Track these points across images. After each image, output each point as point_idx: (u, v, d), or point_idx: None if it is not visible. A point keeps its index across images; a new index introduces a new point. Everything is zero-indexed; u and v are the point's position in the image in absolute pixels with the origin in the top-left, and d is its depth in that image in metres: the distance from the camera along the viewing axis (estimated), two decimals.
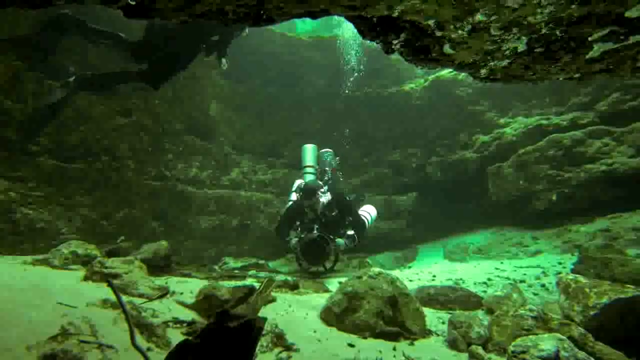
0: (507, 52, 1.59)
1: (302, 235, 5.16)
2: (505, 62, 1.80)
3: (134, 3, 1.22)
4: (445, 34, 1.51)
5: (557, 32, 1.48)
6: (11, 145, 4.53)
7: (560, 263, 4.56)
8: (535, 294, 3.52)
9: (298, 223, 5.48)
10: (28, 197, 4.61)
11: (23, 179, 4.61)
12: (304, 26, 11.67)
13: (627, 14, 1.29)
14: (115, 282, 2.22)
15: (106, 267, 2.35)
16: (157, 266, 3.17)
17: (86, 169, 5.06)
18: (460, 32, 1.45)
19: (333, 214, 5.43)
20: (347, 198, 5.93)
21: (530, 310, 2.28)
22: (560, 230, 5.57)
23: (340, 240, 5.30)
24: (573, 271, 3.64)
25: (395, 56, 9.00)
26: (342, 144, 8.03)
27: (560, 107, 6.57)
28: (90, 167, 5.10)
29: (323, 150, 6.81)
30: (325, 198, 5.42)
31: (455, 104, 7.94)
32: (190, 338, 1.15)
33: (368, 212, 6.23)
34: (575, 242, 5.10)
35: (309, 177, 6.01)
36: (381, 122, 8.42)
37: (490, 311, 2.96)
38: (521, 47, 1.50)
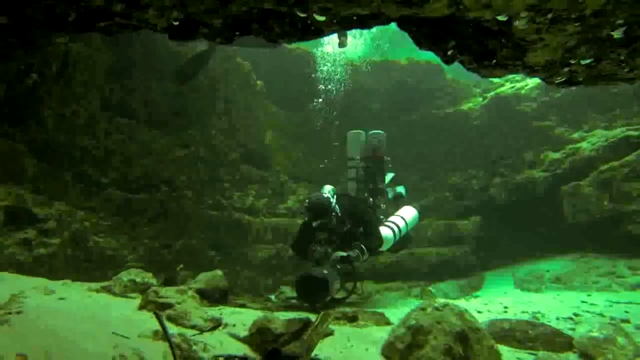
0: (596, 45, 1.35)
1: (329, 250, 4.59)
2: (590, 60, 1.54)
3: (177, 23, 1.19)
4: (516, 29, 1.31)
5: None
6: (87, 179, 4.88)
7: None
8: None
9: (315, 238, 4.79)
10: (99, 227, 4.90)
11: (96, 210, 4.92)
12: (355, 52, 11.89)
13: None
14: (169, 312, 2.19)
15: (160, 297, 2.34)
16: (212, 297, 3.13)
17: (148, 199, 5.31)
18: (536, 25, 1.24)
19: (345, 229, 4.80)
20: (369, 201, 5.37)
21: None
22: None
23: (340, 252, 4.56)
24: None
25: (450, 75, 8.76)
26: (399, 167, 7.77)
27: None
28: (151, 198, 5.35)
29: (372, 132, 6.05)
30: (337, 210, 4.72)
31: (518, 121, 7.45)
32: None
33: (403, 216, 5.49)
34: None
35: (325, 188, 5.02)
36: (439, 144, 8.10)
37: (586, 356, 2.50)
38: (617, 36, 1.24)
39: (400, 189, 6.40)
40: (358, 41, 11.27)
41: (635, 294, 4.31)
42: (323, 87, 7.83)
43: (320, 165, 7.40)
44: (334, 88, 7.84)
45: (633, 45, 1.30)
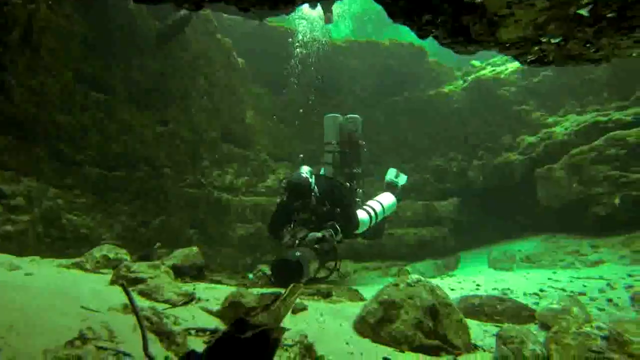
0: (564, 24, 1.36)
1: (297, 235, 4.59)
2: (559, 39, 1.56)
3: None
4: (488, 2, 1.31)
5: None
6: (62, 155, 4.72)
7: (630, 275, 4.06)
8: (600, 310, 3.10)
9: (293, 218, 4.83)
10: (74, 204, 4.77)
11: (71, 187, 4.77)
12: (337, 33, 11.74)
13: None
14: (141, 286, 2.18)
15: (132, 272, 2.31)
16: (187, 273, 3.12)
17: (127, 177, 5.20)
18: None
19: (325, 208, 4.81)
20: (346, 185, 5.41)
21: (600, 328, 1.94)
22: (628, 238, 4.99)
23: (315, 233, 4.55)
24: None
25: (433, 58, 8.75)
26: (381, 150, 7.79)
27: (622, 101, 5.98)
28: (130, 176, 5.24)
29: (347, 116, 6.10)
30: (315, 190, 4.75)
31: (497, 105, 7.55)
32: (195, 350, 1.02)
33: (381, 202, 5.54)
34: None
35: (303, 168, 4.94)
36: (421, 127, 8.16)
37: (545, 326, 2.64)
38: (584, 14, 1.26)
39: (400, 179, 6.44)
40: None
41: (594, 270, 4.55)
42: (302, 51, 7.65)
43: (296, 122, 7.33)
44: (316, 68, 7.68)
45: (598, 24, 1.32)
